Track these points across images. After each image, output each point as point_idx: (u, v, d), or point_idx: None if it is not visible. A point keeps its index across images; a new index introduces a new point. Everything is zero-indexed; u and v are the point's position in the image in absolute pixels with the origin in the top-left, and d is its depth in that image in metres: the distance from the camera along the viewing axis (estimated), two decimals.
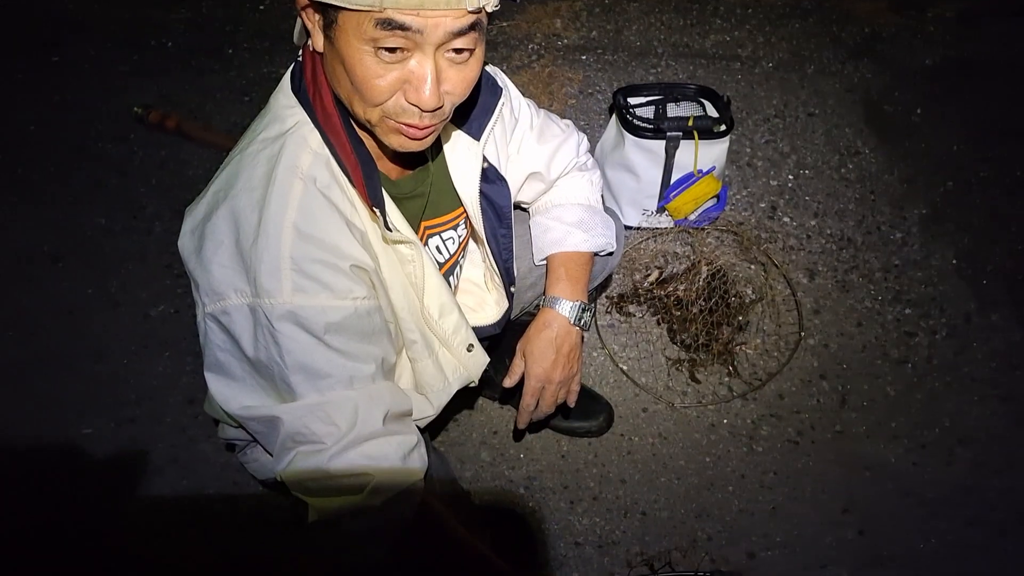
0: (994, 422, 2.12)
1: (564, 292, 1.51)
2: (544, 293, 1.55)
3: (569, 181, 1.57)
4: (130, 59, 3.33)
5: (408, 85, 1.00)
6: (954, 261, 2.53)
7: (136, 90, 3.17)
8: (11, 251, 2.59)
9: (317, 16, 1.02)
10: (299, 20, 1.09)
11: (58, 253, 2.58)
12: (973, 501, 1.97)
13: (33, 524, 1.95)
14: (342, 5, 0.93)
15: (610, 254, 1.63)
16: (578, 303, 1.50)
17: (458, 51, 1.00)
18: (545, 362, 1.51)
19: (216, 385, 1.16)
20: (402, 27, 0.93)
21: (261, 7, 3.57)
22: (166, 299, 2.44)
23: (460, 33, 0.97)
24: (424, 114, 1.03)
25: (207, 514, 1.95)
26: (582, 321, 1.52)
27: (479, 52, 1.04)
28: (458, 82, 1.04)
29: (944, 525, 1.93)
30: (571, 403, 1.62)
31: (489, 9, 0.98)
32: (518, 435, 2.10)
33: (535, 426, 2.06)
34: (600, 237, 1.56)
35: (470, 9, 0.95)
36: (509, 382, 1.54)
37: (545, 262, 1.57)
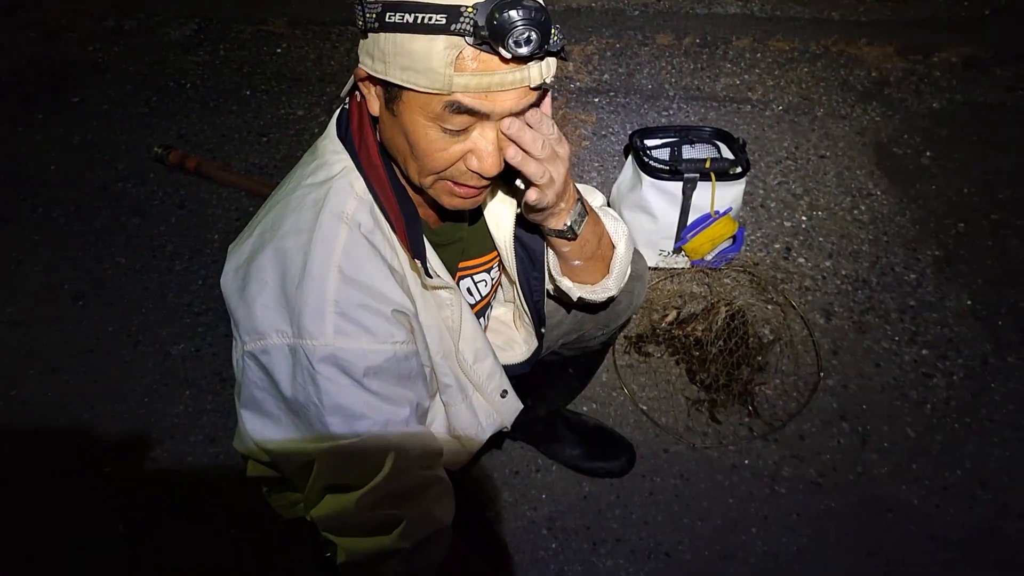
0: (1015, 464, 2.12)
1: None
2: None
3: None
4: (149, 100, 3.39)
5: (470, 154, 1.05)
6: (969, 303, 2.55)
7: (155, 131, 3.22)
8: (32, 289, 2.61)
9: (376, 86, 1.06)
10: (352, 79, 1.12)
11: (79, 291, 2.60)
12: (997, 544, 1.97)
13: (54, 564, 1.94)
14: (410, 88, 0.97)
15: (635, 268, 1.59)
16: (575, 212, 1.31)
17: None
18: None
19: (251, 422, 1.16)
20: (470, 111, 0.99)
21: (278, 50, 3.63)
22: (186, 338, 2.45)
23: (523, 110, 1.02)
24: (483, 178, 1.08)
25: (230, 556, 1.95)
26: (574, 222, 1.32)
27: None
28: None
29: (969, 569, 1.92)
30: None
31: (548, 81, 1.02)
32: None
33: (557, 459, 2.09)
34: (612, 220, 1.44)
35: (532, 87, 1.00)
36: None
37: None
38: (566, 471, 2.12)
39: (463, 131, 1.02)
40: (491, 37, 0.91)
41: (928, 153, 3.14)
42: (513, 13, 0.90)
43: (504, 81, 0.96)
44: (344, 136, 1.17)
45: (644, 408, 2.26)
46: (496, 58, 0.95)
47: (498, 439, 2.16)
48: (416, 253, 1.15)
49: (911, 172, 3.06)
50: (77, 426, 2.23)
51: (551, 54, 0.99)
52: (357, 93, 1.14)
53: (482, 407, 1.39)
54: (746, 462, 2.14)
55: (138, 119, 3.30)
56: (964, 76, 3.51)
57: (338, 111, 1.21)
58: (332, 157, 1.16)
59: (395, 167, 1.16)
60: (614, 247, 1.42)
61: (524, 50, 0.92)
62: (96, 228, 2.83)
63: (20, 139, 3.21)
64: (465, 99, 0.97)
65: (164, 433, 2.21)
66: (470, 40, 0.92)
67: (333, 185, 1.12)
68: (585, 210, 1.30)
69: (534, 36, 0.92)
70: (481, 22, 0.91)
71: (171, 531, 2.01)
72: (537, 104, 1.05)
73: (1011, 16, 3.83)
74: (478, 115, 1.00)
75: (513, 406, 1.45)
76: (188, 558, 1.95)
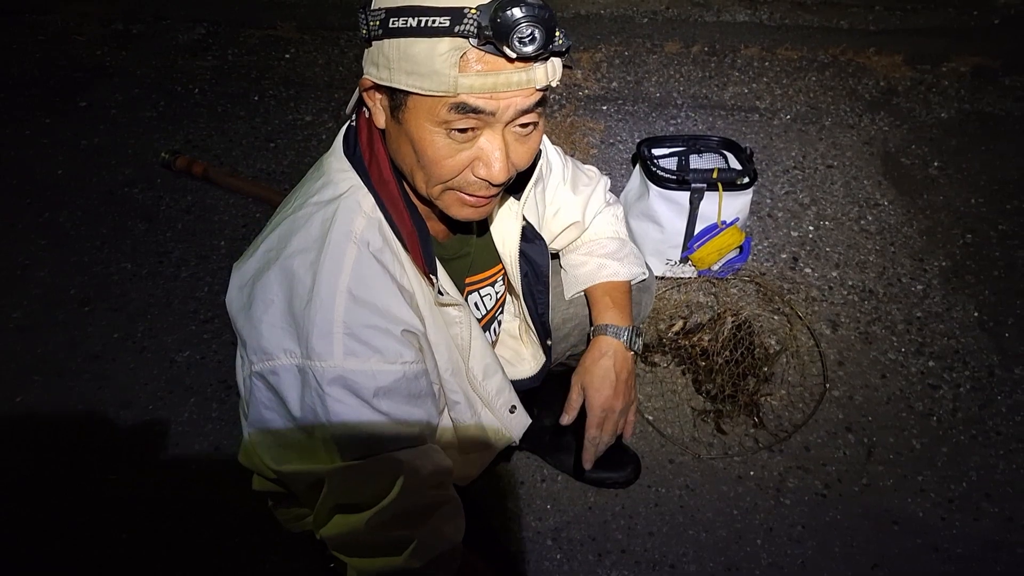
0: (1021, 476, 2.11)
1: (614, 319, 1.49)
2: (592, 323, 1.53)
3: (596, 219, 1.61)
4: (157, 105, 3.40)
5: (478, 161, 1.04)
6: (976, 314, 2.54)
7: (163, 135, 3.23)
8: (39, 294, 2.61)
9: (381, 96, 1.06)
10: (356, 93, 1.11)
11: (85, 297, 2.60)
12: (1002, 557, 1.96)
13: (55, 567, 1.94)
14: (415, 92, 0.97)
15: (643, 281, 1.64)
16: (630, 327, 1.49)
17: (524, 125, 1.03)
18: (606, 390, 1.46)
19: (260, 441, 1.15)
20: (475, 110, 0.97)
21: (287, 55, 3.64)
22: (191, 345, 2.45)
23: (529, 110, 1.01)
24: (491, 186, 1.07)
25: (233, 566, 1.94)
26: (636, 345, 1.49)
27: (542, 123, 1.07)
28: (523, 153, 1.07)
29: None
30: (628, 434, 1.57)
31: (554, 84, 1.01)
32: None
33: (562, 469, 2.09)
34: (634, 265, 1.57)
35: (538, 88, 0.99)
36: (567, 419, 1.50)
37: (582, 294, 1.58)
38: (571, 481, 2.11)
39: (471, 139, 1.02)
40: (495, 36, 0.91)
41: (936, 163, 3.14)
42: (516, 11, 0.89)
43: (510, 81, 0.96)
44: (352, 154, 1.16)
45: (650, 418, 2.25)
46: (501, 58, 0.94)
47: (505, 450, 2.15)
48: (429, 269, 1.15)
49: (919, 182, 3.06)
50: (81, 432, 2.23)
51: (556, 54, 0.99)
52: (365, 110, 1.14)
53: (491, 423, 1.38)
54: (751, 473, 2.13)
55: (145, 123, 3.31)
56: (972, 86, 3.51)
57: (344, 128, 1.21)
58: (338, 176, 1.15)
59: (405, 182, 1.16)
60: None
61: (528, 48, 0.92)
62: (103, 233, 2.83)
63: (27, 143, 3.22)
64: (471, 99, 0.96)
65: (169, 440, 2.21)
66: (474, 41, 0.92)
67: (341, 204, 1.11)
68: (636, 330, 1.51)
69: (538, 34, 0.92)
70: (484, 22, 0.91)
71: (174, 536, 2.00)
72: (543, 103, 1.04)
73: (1020, 26, 3.83)
74: (484, 114, 0.98)
75: (522, 421, 1.44)
76: (191, 568, 1.94)
